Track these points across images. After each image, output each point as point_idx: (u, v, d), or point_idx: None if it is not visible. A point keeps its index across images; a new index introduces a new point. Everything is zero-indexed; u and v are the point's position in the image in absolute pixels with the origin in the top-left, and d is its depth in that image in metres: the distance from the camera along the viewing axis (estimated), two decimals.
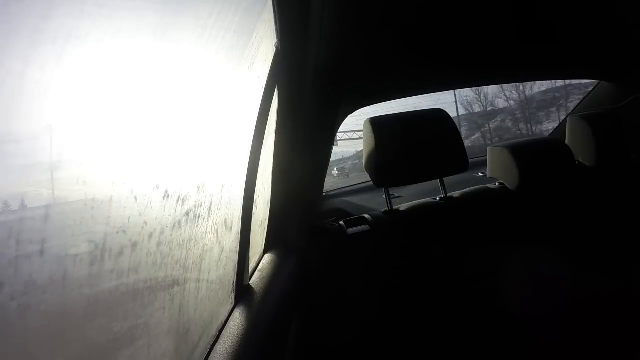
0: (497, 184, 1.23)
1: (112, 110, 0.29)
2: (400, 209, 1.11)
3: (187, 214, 0.41)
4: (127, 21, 0.29)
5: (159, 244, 0.36)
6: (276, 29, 0.62)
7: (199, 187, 0.45)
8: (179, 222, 0.40)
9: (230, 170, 0.58)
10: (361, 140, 1.12)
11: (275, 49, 0.66)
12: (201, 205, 0.45)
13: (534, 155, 1.16)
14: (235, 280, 0.60)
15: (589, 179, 1.26)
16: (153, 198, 0.35)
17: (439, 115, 1.10)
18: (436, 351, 1.00)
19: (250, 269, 0.70)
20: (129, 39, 0.30)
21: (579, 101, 1.70)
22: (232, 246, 0.60)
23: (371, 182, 1.09)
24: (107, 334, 0.29)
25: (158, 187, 0.36)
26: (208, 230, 0.48)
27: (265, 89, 0.65)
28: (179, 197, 0.39)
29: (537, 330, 1.02)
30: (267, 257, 0.82)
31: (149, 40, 0.32)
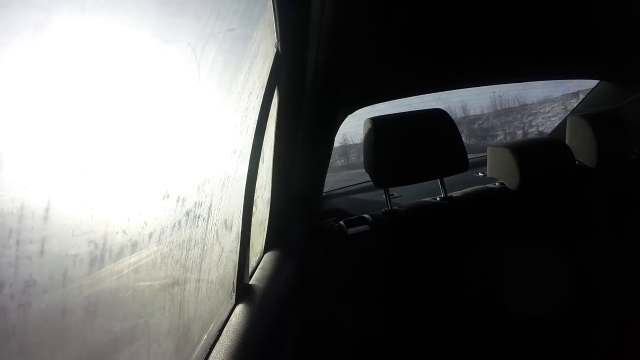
0: (497, 183, 1.23)
1: (112, 110, 0.29)
2: (400, 209, 1.11)
3: (187, 214, 0.41)
4: (126, 22, 0.29)
5: (159, 244, 0.36)
6: (276, 30, 0.62)
7: (199, 187, 0.45)
8: (179, 222, 0.40)
9: (230, 170, 0.58)
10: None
11: (275, 50, 0.66)
12: (201, 205, 0.45)
13: (534, 155, 1.16)
14: (235, 280, 0.60)
15: (589, 179, 1.26)
16: (153, 198, 0.35)
17: (438, 115, 1.10)
18: (437, 351, 1.00)
19: (251, 269, 0.70)
20: (128, 40, 0.30)
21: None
22: (232, 246, 0.60)
23: (371, 182, 1.09)
24: (107, 334, 0.29)
25: (158, 187, 0.36)
26: (208, 230, 0.49)
27: (265, 89, 0.65)
28: (179, 197, 0.39)
29: (538, 330, 1.02)
30: (267, 257, 0.82)
31: (147, 40, 0.32)
